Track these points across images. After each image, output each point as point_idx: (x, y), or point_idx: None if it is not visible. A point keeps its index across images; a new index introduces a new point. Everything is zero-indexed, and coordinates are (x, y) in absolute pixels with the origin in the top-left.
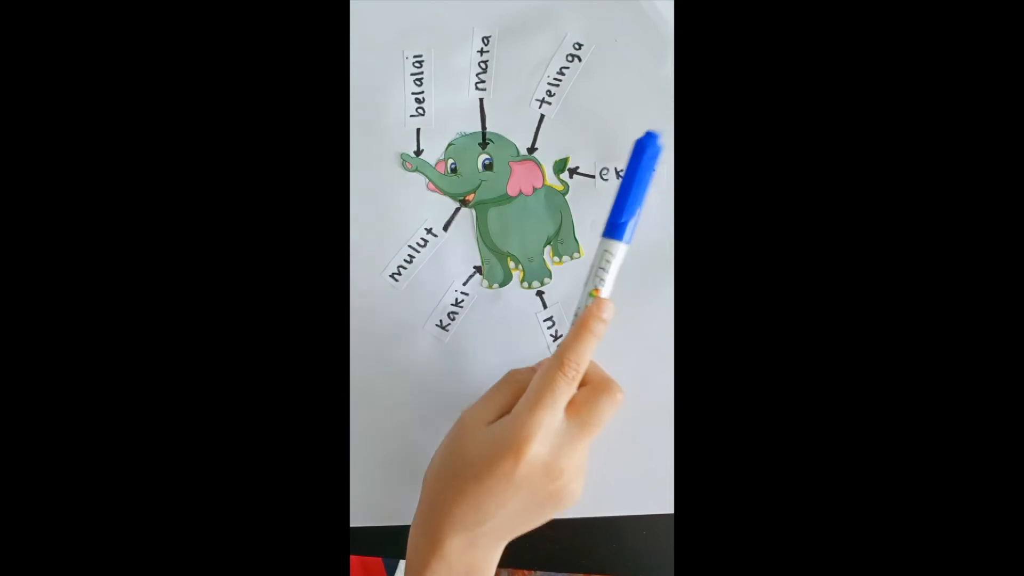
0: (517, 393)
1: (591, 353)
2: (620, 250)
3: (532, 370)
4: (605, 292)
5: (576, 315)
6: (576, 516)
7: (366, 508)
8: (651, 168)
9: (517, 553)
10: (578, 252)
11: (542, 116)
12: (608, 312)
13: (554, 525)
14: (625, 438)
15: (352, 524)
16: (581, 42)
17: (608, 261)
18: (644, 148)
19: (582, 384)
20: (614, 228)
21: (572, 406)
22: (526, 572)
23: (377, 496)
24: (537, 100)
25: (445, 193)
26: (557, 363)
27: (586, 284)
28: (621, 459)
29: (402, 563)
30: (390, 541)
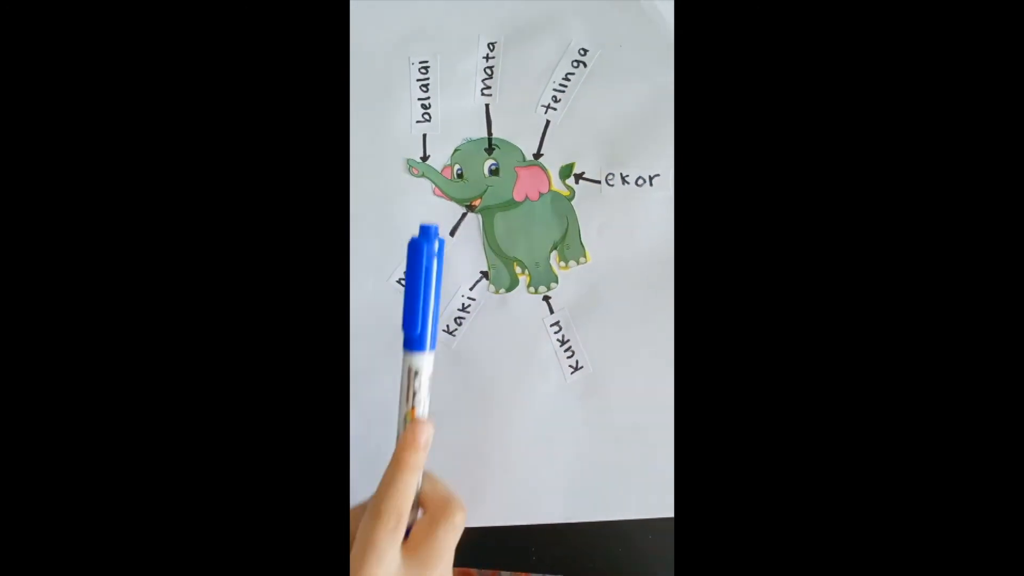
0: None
1: (412, 491)
2: (427, 360)
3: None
4: (422, 410)
5: (397, 439)
6: (576, 520)
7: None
8: (435, 266)
9: (517, 556)
10: (584, 257)
11: (548, 122)
12: (425, 435)
13: (555, 529)
14: (625, 440)
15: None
16: (587, 48)
17: (416, 375)
18: (420, 247)
19: (422, 505)
20: (412, 341)
21: (409, 544)
22: None
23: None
24: (543, 106)
25: (451, 198)
26: (374, 513)
27: (400, 406)
28: (621, 462)
29: None
30: None
